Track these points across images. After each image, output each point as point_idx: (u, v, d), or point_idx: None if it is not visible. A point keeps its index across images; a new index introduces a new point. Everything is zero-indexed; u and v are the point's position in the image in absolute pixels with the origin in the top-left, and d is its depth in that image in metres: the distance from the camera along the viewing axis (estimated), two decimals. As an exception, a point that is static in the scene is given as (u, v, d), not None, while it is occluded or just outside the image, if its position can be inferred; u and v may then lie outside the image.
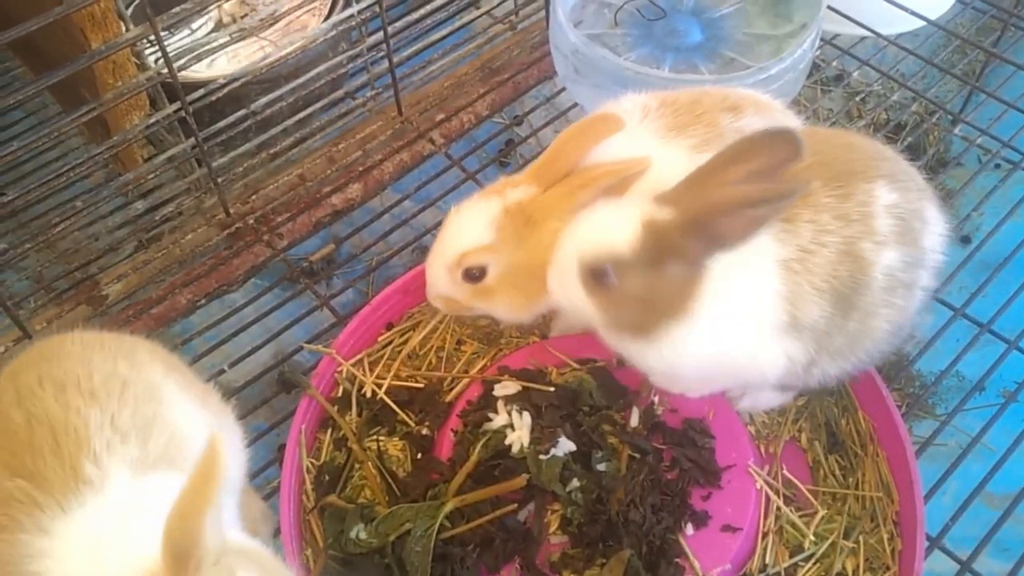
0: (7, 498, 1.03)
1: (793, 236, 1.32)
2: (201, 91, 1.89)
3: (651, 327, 1.35)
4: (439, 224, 2.07)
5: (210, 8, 2.18)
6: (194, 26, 2.22)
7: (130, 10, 1.79)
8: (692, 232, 1.27)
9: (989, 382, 1.76)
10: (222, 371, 1.76)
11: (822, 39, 2.28)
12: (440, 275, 1.52)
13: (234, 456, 1.33)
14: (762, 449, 1.55)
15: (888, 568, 1.42)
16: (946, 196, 2.01)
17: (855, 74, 2.34)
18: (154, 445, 1.09)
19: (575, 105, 2.16)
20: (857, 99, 2.34)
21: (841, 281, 1.33)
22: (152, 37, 1.62)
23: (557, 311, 1.63)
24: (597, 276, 1.32)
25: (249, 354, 1.81)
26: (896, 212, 1.35)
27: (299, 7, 1.95)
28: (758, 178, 1.29)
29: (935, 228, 1.40)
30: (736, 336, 1.36)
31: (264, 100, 1.97)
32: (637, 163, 1.42)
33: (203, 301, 1.87)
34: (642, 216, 1.30)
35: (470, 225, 1.49)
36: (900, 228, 1.35)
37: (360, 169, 2.07)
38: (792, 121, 1.62)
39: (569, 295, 1.37)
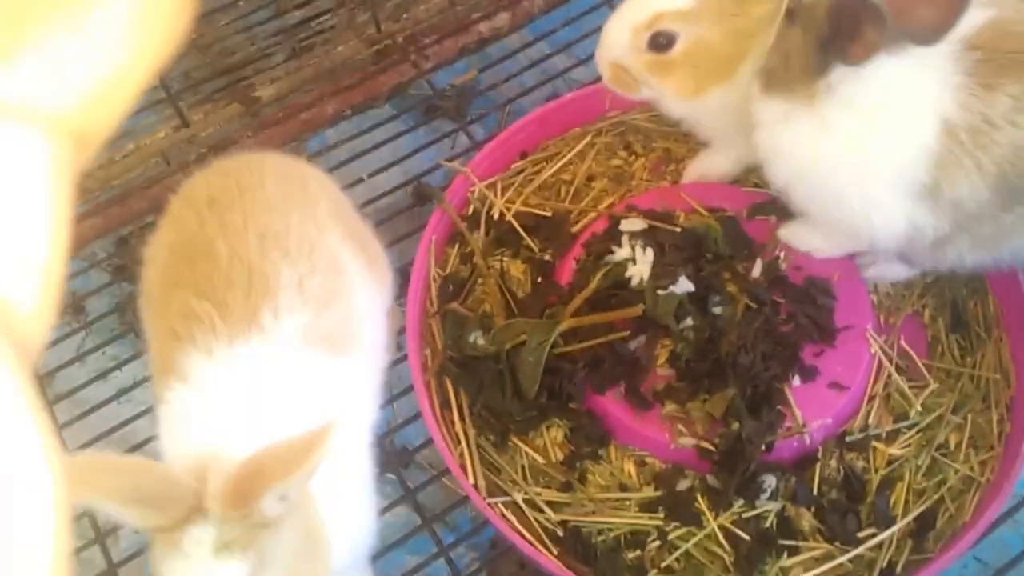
0: (189, 314, 1.13)
1: (983, 104, 1.22)
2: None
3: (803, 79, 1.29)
4: (572, 68, 2.07)
5: None
6: None
7: None
8: None
9: None
10: (360, 179, 1.84)
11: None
12: (621, 37, 1.44)
13: (379, 304, 1.39)
14: (882, 319, 1.54)
15: (992, 448, 1.42)
16: None
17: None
18: (327, 320, 1.17)
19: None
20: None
21: (1018, 171, 1.24)
22: None
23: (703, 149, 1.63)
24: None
25: (379, 171, 1.87)
26: None
27: None
28: None
29: None
30: (861, 165, 1.30)
31: (424, -83, 1.96)
32: None
33: (349, 112, 1.94)
34: None
35: None
36: None
37: (510, -2, 2.06)
38: None
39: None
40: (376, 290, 1.35)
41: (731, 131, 1.56)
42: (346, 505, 1.17)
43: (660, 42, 1.42)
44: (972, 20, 1.24)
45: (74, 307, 1.85)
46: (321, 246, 1.21)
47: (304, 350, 1.14)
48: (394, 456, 1.57)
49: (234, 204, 1.21)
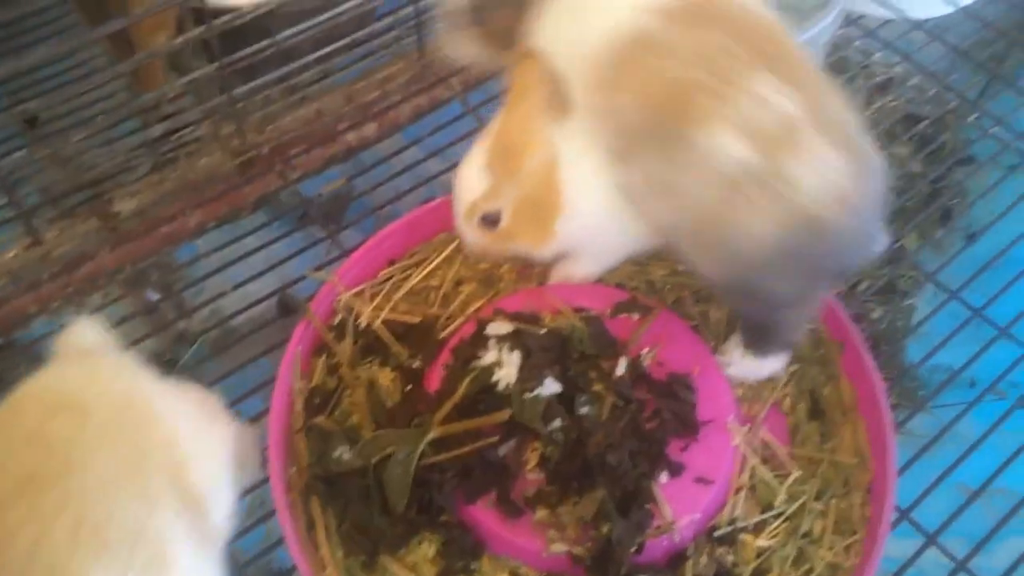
0: None
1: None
2: (227, 16, 1.90)
3: None
4: (445, 172, 2.10)
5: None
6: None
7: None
8: None
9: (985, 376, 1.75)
10: (223, 293, 1.80)
11: (848, 19, 2.28)
12: (464, 229, 1.55)
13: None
14: (745, 409, 1.58)
15: (855, 532, 1.45)
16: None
17: (877, 56, 2.33)
18: None
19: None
20: (876, 80, 2.33)
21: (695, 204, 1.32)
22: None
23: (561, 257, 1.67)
24: None
25: (250, 280, 1.84)
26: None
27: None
28: None
29: None
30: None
31: (288, 32, 1.98)
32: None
33: (212, 224, 1.91)
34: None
35: (469, 174, 1.51)
36: None
37: (377, 109, 2.09)
38: None
39: None
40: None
41: (595, 243, 1.60)
42: None
43: (491, 220, 1.51)
44: None
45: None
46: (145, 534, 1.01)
47: None
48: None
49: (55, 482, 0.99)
